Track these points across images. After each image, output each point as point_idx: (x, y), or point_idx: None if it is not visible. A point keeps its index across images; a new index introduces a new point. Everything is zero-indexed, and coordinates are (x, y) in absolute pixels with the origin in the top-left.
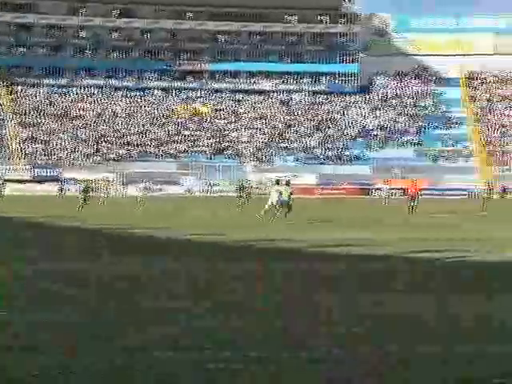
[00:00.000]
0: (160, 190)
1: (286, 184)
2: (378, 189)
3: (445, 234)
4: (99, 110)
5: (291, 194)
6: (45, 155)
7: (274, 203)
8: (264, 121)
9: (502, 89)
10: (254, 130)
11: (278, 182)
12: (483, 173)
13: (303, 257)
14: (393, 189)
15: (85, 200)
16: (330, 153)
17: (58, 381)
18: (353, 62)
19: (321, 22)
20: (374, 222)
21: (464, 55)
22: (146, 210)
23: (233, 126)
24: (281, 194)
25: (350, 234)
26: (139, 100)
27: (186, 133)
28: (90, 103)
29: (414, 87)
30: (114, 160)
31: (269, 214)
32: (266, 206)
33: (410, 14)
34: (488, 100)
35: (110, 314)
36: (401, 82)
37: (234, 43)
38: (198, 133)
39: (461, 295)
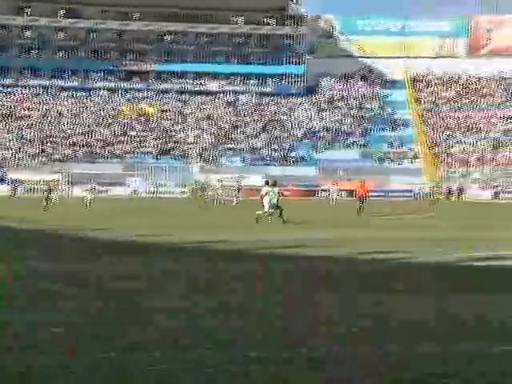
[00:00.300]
0: (106, 191)
1: (273, 185)
2: (325, 190)
3: (393, 235)
4: (44, 110)
5: (279, 194)
6: None
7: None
8: (210, 122)
9: (446, 91)
10: (201, 131)
11: (267, 183)
12: (428, 174)
13: (253, 257)
14: (341, 190)
15: (47, 201)
16: (276, 154)
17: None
18: (299, 63)
19: (267, 23)
20: (324, 222)
21: (409, 57)
22: (97, 210)
23: (179, 126)
24: (267, 194)
25: (301, 234)
26: (85, 100)
27: (132, 133)
28: (35, 103)
29: (360, 89)
30: (59, 161)
31: (272, 215)
32: (269, 209)
33: (356, 16)
34: (433, 102)
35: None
36: (347, 83)
37: (180, 44)
38: (144, 133)
39: (409, 295)
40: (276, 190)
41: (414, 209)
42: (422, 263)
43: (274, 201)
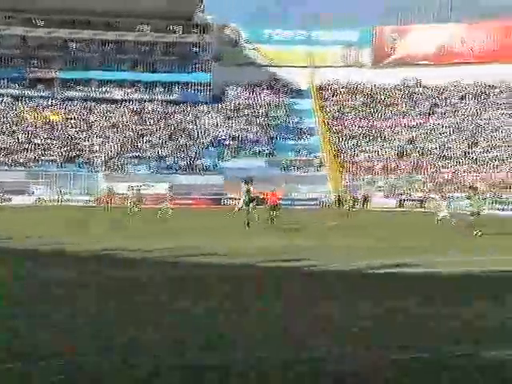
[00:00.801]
0: (9, 199)
1: (246, 183)
2: (232, 198)
3: (302, 243)
4: None
5: (248, 191)
6: None
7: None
8: (116, 130)
9: (351, 100)
10: (106, 139)
11: (247, 182)
12: (334, 182)
13: (145, 265)
14: None
15: None
16: (182, 162)
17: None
18: (205, 71)
19: (174, 31)
20: (231, 230)
21: (315, 67)
22: (4, 219)
23: (84, 134)
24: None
25: (203, 242)
26: None
27: (37, 141)
28: None
29: (266, 97)
30: None
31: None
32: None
33: (262, 25)
34: (338, 111)
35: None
36: (253, 92)
37: (85, 51)
38: (48, 141)
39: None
40: (244, 188)
41: (327, 217)
42: (331, 270)
43: (245, 198)
